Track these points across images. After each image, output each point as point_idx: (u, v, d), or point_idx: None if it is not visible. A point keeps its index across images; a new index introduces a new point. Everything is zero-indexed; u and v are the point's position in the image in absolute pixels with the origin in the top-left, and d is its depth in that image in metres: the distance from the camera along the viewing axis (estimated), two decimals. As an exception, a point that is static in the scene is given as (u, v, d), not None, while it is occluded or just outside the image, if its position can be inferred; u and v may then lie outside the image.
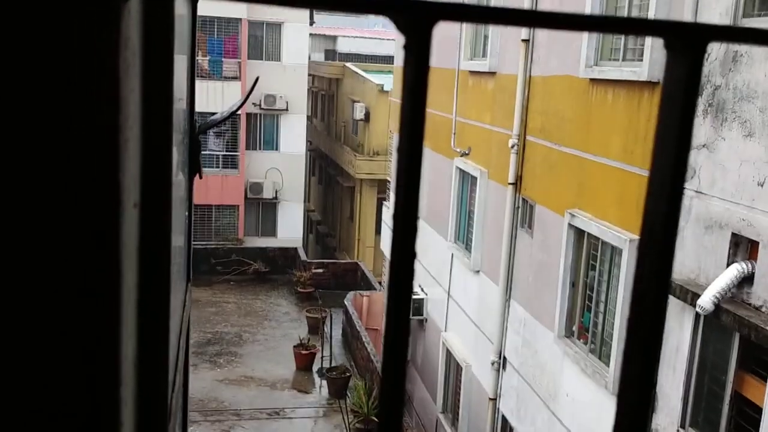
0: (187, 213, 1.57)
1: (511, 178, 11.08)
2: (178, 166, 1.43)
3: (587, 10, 8.96)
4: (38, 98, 0.46)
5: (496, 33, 11.89)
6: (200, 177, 1.63)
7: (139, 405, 0.71)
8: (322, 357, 18.57)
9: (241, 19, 26.38)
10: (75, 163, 0.46)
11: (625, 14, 8.51)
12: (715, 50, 6.71)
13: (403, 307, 0.49)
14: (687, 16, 7.13)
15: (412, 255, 0.51)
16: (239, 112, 26.30)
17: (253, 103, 27.09)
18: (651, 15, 7.73)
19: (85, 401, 0.50)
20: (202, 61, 26.30)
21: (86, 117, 0.46)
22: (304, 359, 18.67)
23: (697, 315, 6.84)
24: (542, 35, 10.38)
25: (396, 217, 0.53)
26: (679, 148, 0.54)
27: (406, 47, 0.51)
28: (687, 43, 0.54)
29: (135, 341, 0.67)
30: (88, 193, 0.47)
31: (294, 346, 18.90)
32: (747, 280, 6.34)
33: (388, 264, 0.56)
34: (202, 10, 26.84)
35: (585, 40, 9.01)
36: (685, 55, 0.54)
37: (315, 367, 18.71)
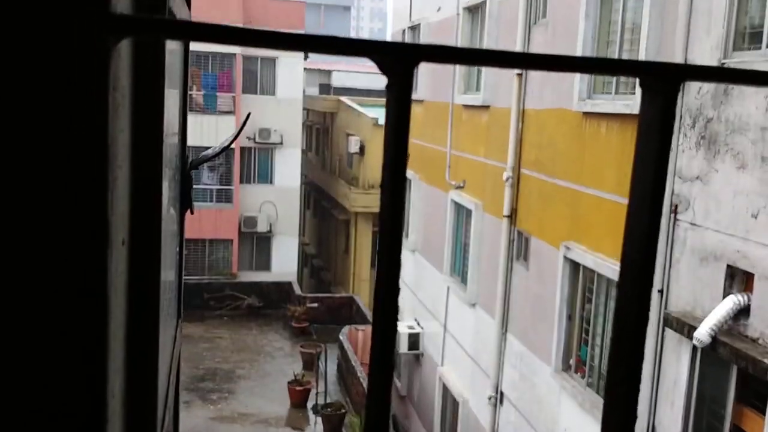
0: (178, 249, 1.57)
1: (506, 211, 11.11)
2: (170, 202, 1.44)
3: (579, 45, 9.08)
4: (27, 137, 0.47)
5: (490, 67, 12.01)
6: (191, 212, 1.64)
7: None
8: (317, 393, 18.38)
9: (235, 54, 26.62)
10: (63, 201, 0.47)
11: (617, 48, 8.62)
12: (707, 83, 6.79)
13: (388, 345, 0.50)
14: (678, 51, 7.23)
15: (396, 289, 0.52)
16: (233, 146, 26.39)
17: (248, 137, 27.19)
18: (642, 49, 7.83)
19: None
20: (197, 95, 26.45)
21: (74, 157, 0.47)
22: (299, 396, 18.48)
23: (695, 348, 6.81)
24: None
25: (380, 254, 0.53)
26: (655, 183, 0.55)
27: (387, 87, 0.52)
28: (661, 82, 0.55)
29: (123, 378, 0.68)
30: (75, 231, 0.48)
31: (288, 382, 18.72)
32: (743, 312, 6.33)
33: (373, 297, 0.57)
34: (197, 45, 27.17)
35: (578, 74, 9.11)
36: (659, 93, 0.55)
37: (310, 404, 18.51)
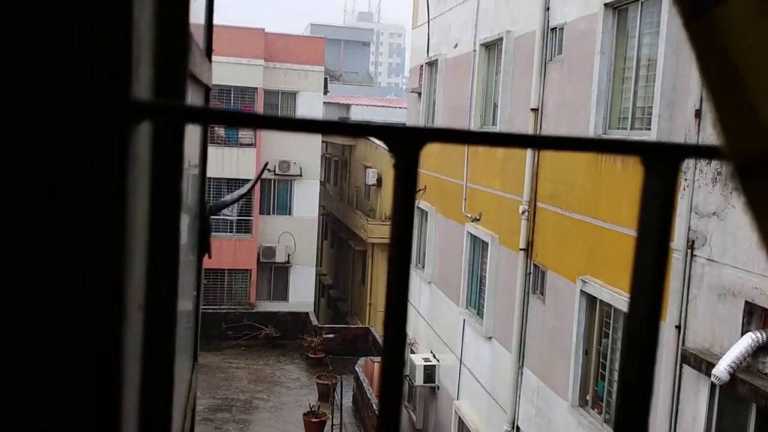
0: (195, 293, 1.60)
1: (522, 244, 11.08)
2: (188, 249, 1.46)
3: (594, 82, 9.11)
4: (48, 213, 0.49)
5: (506, 101, 12.08)
6: (209, 257, 1.67)
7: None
8: (332, 425, 18.25)
9: (257, 88, 26.94)
10: (78, 273, 0.49)
11: (632, 84, 8.64)
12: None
13: (397, 370, 0.52)
14: (693, 87, 7.24)
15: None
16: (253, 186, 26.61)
17: (268, 169, 27.41)
18: (658, 85, 7.85)
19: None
20: (219, 128, 26.76)
21: (91, 235, 0.49)
22: (315, 427, 18.35)
23: (713, 385, 6.72)
24: (551, 103, 10.54)
25: (385, 329, 0.55)
26: (657, 263, 0.57)
27: (395, 166, 0.54)
28: (662, 161, 0.57)
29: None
30: (90, 301, 0.50)
31: (304, 414, 18.62)
32: (762, 349, 6.26)
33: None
34: (219, 79, 27.33)
35: (593, 108, 9.14)
36: (660, 171, 0.57)
37: (325, 436, 18.37)
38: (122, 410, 0.55)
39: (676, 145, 0.56)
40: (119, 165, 0.50)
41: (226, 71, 25.83)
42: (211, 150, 25.96)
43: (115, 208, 0.50)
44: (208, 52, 1.58)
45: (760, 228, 0.49)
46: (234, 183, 26.29)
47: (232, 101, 27.17)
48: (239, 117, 0.50)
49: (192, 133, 1.43)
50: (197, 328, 1.68)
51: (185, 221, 1.35)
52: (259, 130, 0.52)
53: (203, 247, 1.54)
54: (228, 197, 2.57)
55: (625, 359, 0.53)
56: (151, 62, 0.67)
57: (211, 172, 26.16)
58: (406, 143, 0.53)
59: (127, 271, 0.55)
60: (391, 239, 0.57)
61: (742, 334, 6.42)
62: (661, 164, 0.57)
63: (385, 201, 26.99)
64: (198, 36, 1.34)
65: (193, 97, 1.22)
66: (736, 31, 0.47)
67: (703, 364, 6.73)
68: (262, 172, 3.03)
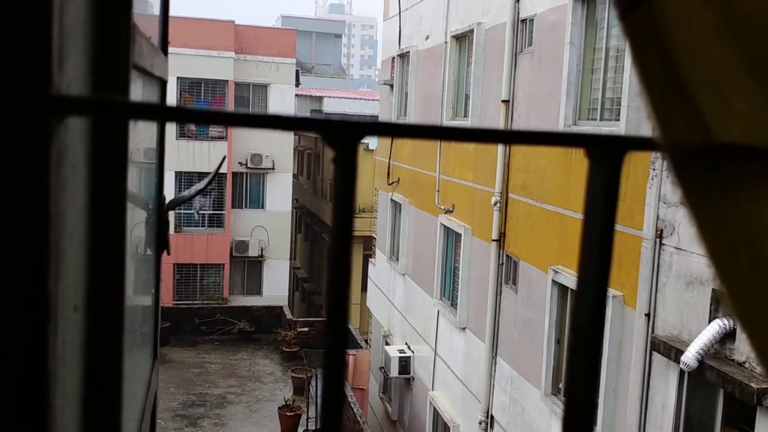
0: (154, 291, 1.57)
1: (494, 235, 11.13)
2: (146, 244, 1.43)
3: (564, 72, 9.16)
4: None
5: (477, 92, 12.10)
6: (168, 254, 1.64)
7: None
8: (307, 418, 18.24)
9: (227, 80, 26.73)
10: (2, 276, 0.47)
11: (601, 75, 8.71)
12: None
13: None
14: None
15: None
16: (225, 171, 26.42)
17: (240, 163, 27.25)
18: (626, 75, 7.91)
19: None
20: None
21: (9, 235, 0.47)
22: (289, 421, 18.33)
23: (682, 372, 6.82)
24: (522, 94, 10.58)
25: (328, 324, 0.54)
26: (602, 251, 0.56)
27: (334, 161, 0.53)
28: (607, 153, 0.56)
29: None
30: (8, 303, 0.48)
31: (279, 408, 18.58)
32: (729, 335, 6.36)
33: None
34: (189, 72, 26.98)
35: (564, 99, 9.19)
36: (605, 164, 0.56)
37: (300, 429, 18.36)
38: (52, 417, 0.53)
39: (619, 138, 0.56)
40: (39, 162, 0.48)
41: (197, 64, 25.58)
42: (182, 143, 25.78)
43: (35, 206, 0.48)
44: (164, 44, 1.55)
45: (697, 219, 0.49)
46: (205, 177, 26.09)
47: (202, 94, 26.93)
48: (168, 111, 0.48)
49: (147, 127, 1.40)
50: (157, 324, 1.65)
51: (141, 217, 1.33)
52: (187, 123, 0.50)
53: (161, 243, 1.51)
54: (186, 192, 2.54)
55: (572, 351, 0.52)
56: (85, 55, 0.65)
57: (181, 166, 25.96)
58: (344, 137, 0.52)
59: (56, 271, 0.53)
60: (332, 235, 0.55)
61: (710, 321, 6.51)
62: (606, 156, 0.56)
63: (358, 194, 26.93)
64: (149, 28, 1.31)
65: (145, 91, 1.19)
66: (676, 20, 0.46)
67: (672, 351, 6.83)
68: (219, 166, 3.00)
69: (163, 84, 1.48)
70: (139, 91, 1.09)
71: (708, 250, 0.52)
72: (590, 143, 0.57)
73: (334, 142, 0.52)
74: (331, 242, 0.55)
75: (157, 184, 1.53)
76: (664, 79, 0.48)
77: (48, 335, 0.50)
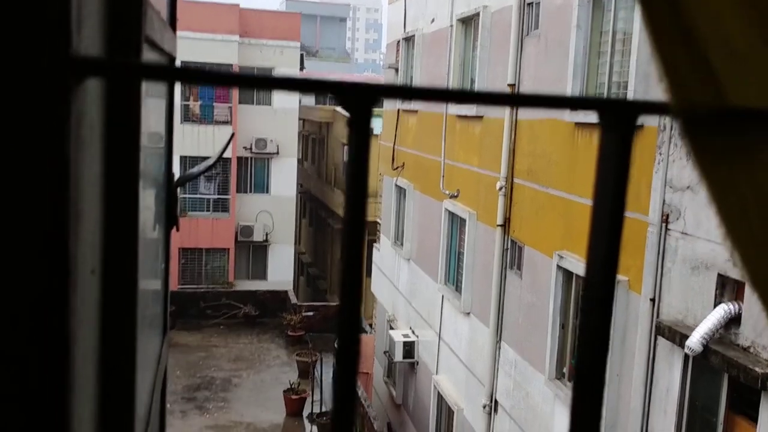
0: (164, 265, 1.58)
1: (499, 220, 11.13)
2: (154, 219, 1.44)
3: (570, 56, 9.12)
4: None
5: (483, 76, 12.06)
6: (177, 230, 1.65)
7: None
8: (312, 402, 18.35)
9: (232, 65, 26.66)
10: (21, 237, 0.48)
11: (608, 59, 8.67)
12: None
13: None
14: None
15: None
16: (230, 156, 26.43)
17: (244, 147, 27.24)
18: (633, 59, 7.87)
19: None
20: (194, 105, 26.50)
21: (35, 194, 0.48)
22: (295, 404, 18.44)
23: (686, 356, 6.83)
24: (528, 78, 10.54)
25: (342, 285, 0.55)
26: (614, 215, 0.57)
27: (349, 123, 0.54)
28: (619, 117, 0.57)
29: (95, 406, 0.68)
30: (34, 265, 0.49)
31: (284, 391, 18.69)
32: (734, 320, 6.36)
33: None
34: (193, 56, 26.92)
35: (570, 82, 9.15)
36: (617, 128, 0.57)
37: (305, 412, 18.48)
38: (72, 369, 0.54)
39: (631, 102, 0.56)
40: (61, 121, 0.48)
41: (201, 48, 25.52)
42: (187, 128, 25.77)
43: (57, 164, 0.48)
44: (172, 21, 1.56)
45: (709, 182, 0.49)
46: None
47: (207, 79, 26.88)
48: (180, 72, 0.49)
49: (157, 103, 1.41)
50: (166, 300, 1.67)
51: (151, 192, 1.34)
52: (199, 84, 0.51)
53: (170, 219, 1.52)
54: (195, 169, 2.55)
55: (584, 311, 0.53)
56: (101, 25, 0.65)
57: (186, 150, 25.94)
58: (359, 99, 0.53)
59: (75, 231, 0.53)
60: (346, 200, 0.56)
61: (715, 306, 6.51)
62: (618, 121, 0.56)
63: (363, 178, 26.92)
64: (159, 4, 1.31)
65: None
66: None
67: (677, 335, 6.83)
68: (228, 142, 3.00)
69: (171, 60, 1.49)
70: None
71: (719, 213, 0.52)
72: (602, 107, 0.57)
73: (350, 105, 0.53)
74: (346, 204, 0.56)
75: (167, 160, 1.54)
76: (677, 42, 0.48)
77: (68, 291, 0.51)
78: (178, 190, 1.67)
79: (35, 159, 0.48)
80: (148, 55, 1.04)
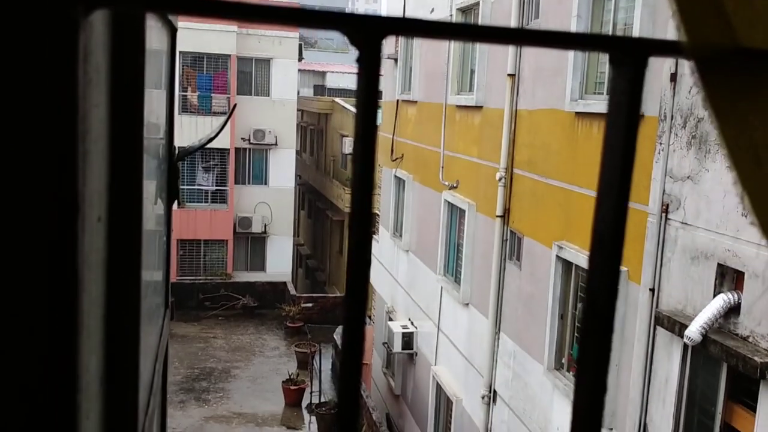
0: (165, 238, 1.58)
1: (498, 211, 11.13)
2: (156, 191, 1.44)
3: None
4: None
5: (483, 66, 12.04)
6: (179, 205, 1.64)
7: (105, 418, 0.71)
8: (311, 392, 18.39)
9: (230, 55, 26.60)
10: (29, 171, 0.48)
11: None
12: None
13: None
14: (669, 60, 7.24)
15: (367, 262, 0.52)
16: (228, 147, 26.38)
17: (242, 138, 27.20)
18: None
19: (43, 406, 0.51)
20: (192, 96, 26.43)
21: (42, 129, 0.48)
22: (293, 395, 18.48)
23: (686, 346, 6.84)
24: (528, 69, 10.52)
25: (351, 227, 0.54)
26: (625, 158, 0.56)
27: (358, 60, 0.53)
28: (629, 56, 0.56)
29: (101, 352, 0.68)
30: (43, 201, 0.48)
31: (283, 382, 18.72)
32: (734, 310, 6.37)
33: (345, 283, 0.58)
34: (192, 46, 26.83)
35: (570, 72, 9.14)
36: (628, 67, 0.56)
37: (304, 403, 18.52)
38: (80, 310, 0.53)
39: (642, 40, 0.56)
40: (68, 53, 0.48)
41: (199, 38, 25.43)
42: (185, 118, 25.72)
43: (65, 96, 0.48)
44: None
45: (719, 122, 0.49)
46: (208, 151, 26.05)
47: (205, 68, 26.81)
48: (186, 2, 0.48)
49: (159, 97, 1.40)
50: (168, 276, 1.66)
51: (153, 164, 1.33)
52: (203, 15, 0.50)
53: (172, 192, 1.52)
54: (195, 142, 2.54)
55: (590, 272, 0.53)
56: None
57: (184, 141, 25.75)
58: (368, 33, 0.52)
59: (83, 170, 0.53)
60: (355, 135, 0.55)
61: (715, 295, 6.52)
62: (628, 60, 0.56)
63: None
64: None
65: (159, 35, 1.19)
66: None
67: (677, 325, 6.84)
68: (230, 115, 2.99)
69: (173, 31, 1.48)
70: (154, 34, 1.08)
71: (729, 153, 0.52)
72: (612, 46, 0.56)
73: (359, 39, 0.52)
74: (355, 146, 0.55)
75: (168, 134, 1.53)
76: None
77: (77, 227, 0.50)
78: (179, 165, 1.68)
79: (45, 91, 0.47)
80: (151, 25, 1.03)
